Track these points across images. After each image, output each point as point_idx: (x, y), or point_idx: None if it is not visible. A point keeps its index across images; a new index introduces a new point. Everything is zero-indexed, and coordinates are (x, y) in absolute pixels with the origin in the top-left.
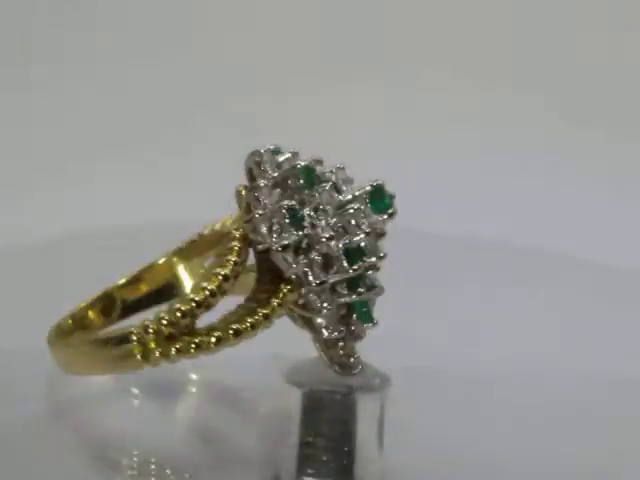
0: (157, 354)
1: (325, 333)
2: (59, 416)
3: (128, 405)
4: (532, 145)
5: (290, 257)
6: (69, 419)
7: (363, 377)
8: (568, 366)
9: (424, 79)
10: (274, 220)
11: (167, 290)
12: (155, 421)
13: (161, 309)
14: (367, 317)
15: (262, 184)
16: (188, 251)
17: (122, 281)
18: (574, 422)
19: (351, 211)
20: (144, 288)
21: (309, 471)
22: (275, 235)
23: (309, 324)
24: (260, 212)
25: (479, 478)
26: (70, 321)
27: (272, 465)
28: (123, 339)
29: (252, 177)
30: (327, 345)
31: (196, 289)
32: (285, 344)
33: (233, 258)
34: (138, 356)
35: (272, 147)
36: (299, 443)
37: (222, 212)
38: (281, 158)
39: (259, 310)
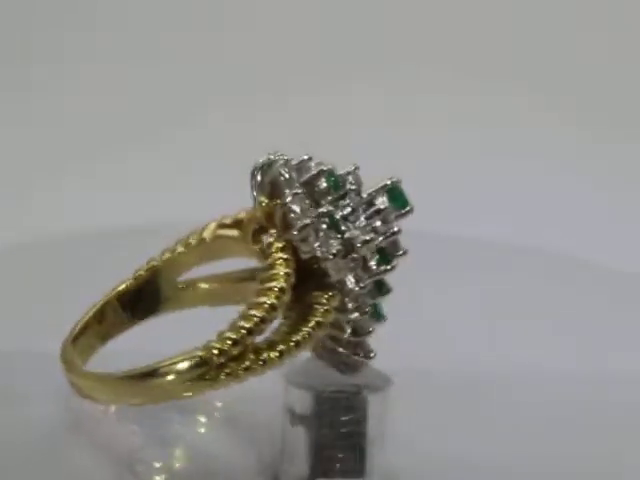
0: (226, 375)
1: (348, 332)
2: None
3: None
4: (532, 145)
5: (341, 263)
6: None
7: (365, 377)
8: (568, 366)
9: (424, 79)
10: (317, 228)
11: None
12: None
13: (222, 329)
14: (379, 314)
15: (295, 193)
16: (173, 265)
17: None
18: (574, 422)
19: (378, 211)
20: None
21: (329, 473)
22: (320, 243)
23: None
24: (307, 222)
25: (479, 478)
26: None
27: (273, 469)
28: (188, 363)
29: (277, 188)
30: (340, 344)
31: (254, 305)
32: None
33: (284, 270)
34: (207, 379)
35: (283, 155)
36: (314, 445)
37: (224, 212)
38: (298, 164)
39: (311, 318)
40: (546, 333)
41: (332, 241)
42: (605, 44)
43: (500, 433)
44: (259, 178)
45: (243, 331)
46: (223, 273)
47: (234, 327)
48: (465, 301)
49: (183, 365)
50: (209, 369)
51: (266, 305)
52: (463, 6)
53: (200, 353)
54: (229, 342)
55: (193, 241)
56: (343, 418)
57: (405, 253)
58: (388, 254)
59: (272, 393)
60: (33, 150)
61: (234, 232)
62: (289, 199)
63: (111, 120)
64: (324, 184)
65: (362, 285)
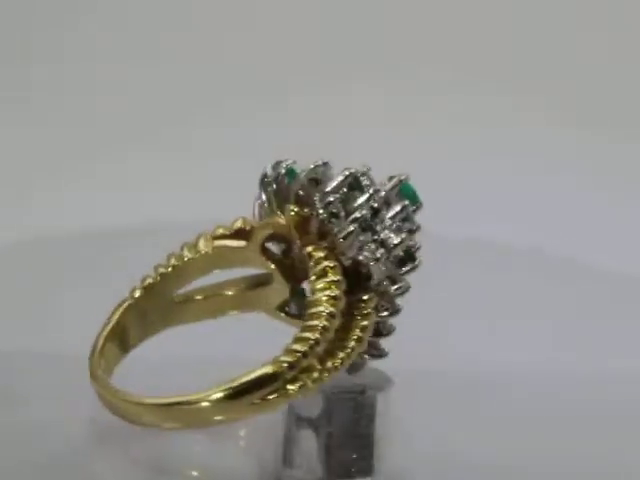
0: (299, 388)
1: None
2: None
3: None
4: (532, 145)
5: (383, 265)
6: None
7: (368, 377)
8: (568, 367)
9: (424, 79)
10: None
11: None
12: None
13: (288, 343)
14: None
15: (330, 201)
16: (170, 281)
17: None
18: (574, 422)
19: (399, 210)
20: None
21: (340, 474)
22: (361, 248)
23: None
24: (351, 229)
25: (479, 478)
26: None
27: (275, 474)
28: (261, 381)
29: (308, 197)
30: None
31: (316, 315)
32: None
33: (336, 277)
34: (279, 395)
35: (293, 162)
36: (323, 447)
37: (224, 212)
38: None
39: (359, 322)
40: (546, 333)
41: (371, 245)
42: (605, 44)
43: (500, 433)
44: (274, 187)
45: (311, 342)
46: (217, 283)
47: (301, 340)
48: (465, 301)
49: (244, 384)
50: (281, 383)
51: (327, 314)
52: (463, 6)
53: (269, 369)
54: (298, 354)
55: (189, 254)
56: (351, 418)
57: (420, 248)
58: (412, 251)
59: None
60: (33, 150)
61: (237, 242)
62: (327, 207)
63: (111, 120)
64: (352, 188)
65: (399, 285)
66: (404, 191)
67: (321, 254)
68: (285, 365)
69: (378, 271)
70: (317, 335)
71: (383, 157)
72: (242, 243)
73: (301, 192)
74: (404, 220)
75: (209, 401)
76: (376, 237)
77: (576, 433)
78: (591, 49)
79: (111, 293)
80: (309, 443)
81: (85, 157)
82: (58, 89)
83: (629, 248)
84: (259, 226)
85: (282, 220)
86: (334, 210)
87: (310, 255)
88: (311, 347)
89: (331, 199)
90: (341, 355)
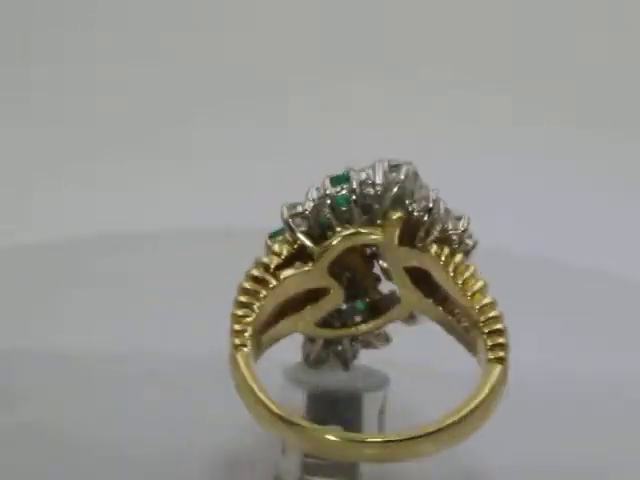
0: None
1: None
2: None
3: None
4: (533, 145)
5: None
6: None
7: (363, 376)
8: (568, 367)
9: (424, 79)
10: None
11: None
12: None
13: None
14: None
15: (430, 205)
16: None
17: None
18: (574, 422)
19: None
20: None
21: (318, 473)
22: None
23: None
24: (460, 230)
25: (479, 478)
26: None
27: (273, 467)
28: None
29: (402, 203)
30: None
31: (498, 318)
32: (287, 344)
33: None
34: None
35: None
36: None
37: (224, 213)
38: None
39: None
40: (546, 333)
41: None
42: (605, 44)
43: (499, 433)
44: (354, 197)
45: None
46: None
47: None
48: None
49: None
50: None
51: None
52: (463, 6)
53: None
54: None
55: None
56: (339, 416)
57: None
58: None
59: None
60: (33, 150)
61: (302, 267)
62: (433, 210)
63: (111, 120)
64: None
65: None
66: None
67: (459, 257)
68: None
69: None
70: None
71: (383, 157)
72: (305, 267)
73: (400, 195)
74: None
75: None
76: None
77: (577, 433)
78: (591, 49)
79: (111, 293)
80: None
81: (85, 157)
82: (58, 89)
83: (629, 248)
84: (330, 243)
85: (371, 230)
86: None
87: (440, 254)
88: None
89: (429, 204)
90: None
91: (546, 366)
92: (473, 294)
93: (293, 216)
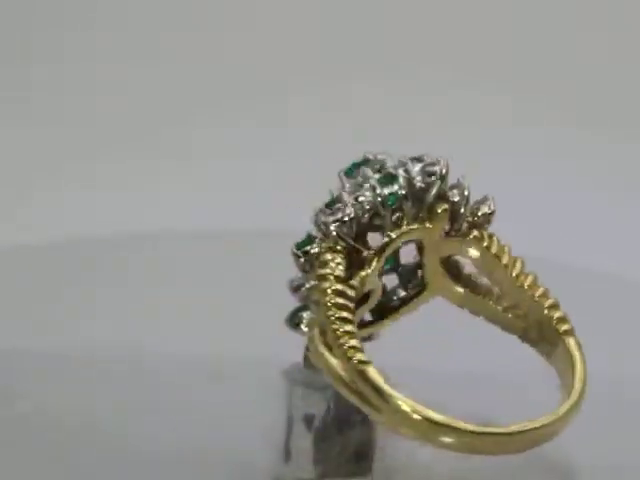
0: None
1: None
2: None
3: None
4: (533, 145)
5: None
6: None
7: None
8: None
9: (424, 79)
10: None
11: None
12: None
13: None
14: None
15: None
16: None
17: None
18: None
19: None
20: None
21: (334, 472)
22: None
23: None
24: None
25: (479, 477)
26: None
27: (273, 468)
28: None
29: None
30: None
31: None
32: (287, 344)
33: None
34: None
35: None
36: (317, 444)
37: (224, 213)
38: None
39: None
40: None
41: None
42: (605, 44)
43: None
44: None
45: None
46: None
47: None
48: None
49: None
50: None
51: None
52: (463, 6)
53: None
54: None
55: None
56: (347, 417)
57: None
58: None
59: (273, 391)
60: (33, 150)
61: (360, 272)
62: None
63: (111, 120)
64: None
65: None
66: None
67: (486, 234)
68: None
69: None
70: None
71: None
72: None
73: (443, 188)
74: None
75: None
76: None
77: (577, 433)
78: (591, 49)
79: (111, 294)
80: (306, 442)
81: (85, 157)
82: (58, 89)
83: (629, 248)
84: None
85: (421, 225)
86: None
87: (481, 239)
88: None
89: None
90: None
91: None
92: (520, 275)
93: (340, 225)
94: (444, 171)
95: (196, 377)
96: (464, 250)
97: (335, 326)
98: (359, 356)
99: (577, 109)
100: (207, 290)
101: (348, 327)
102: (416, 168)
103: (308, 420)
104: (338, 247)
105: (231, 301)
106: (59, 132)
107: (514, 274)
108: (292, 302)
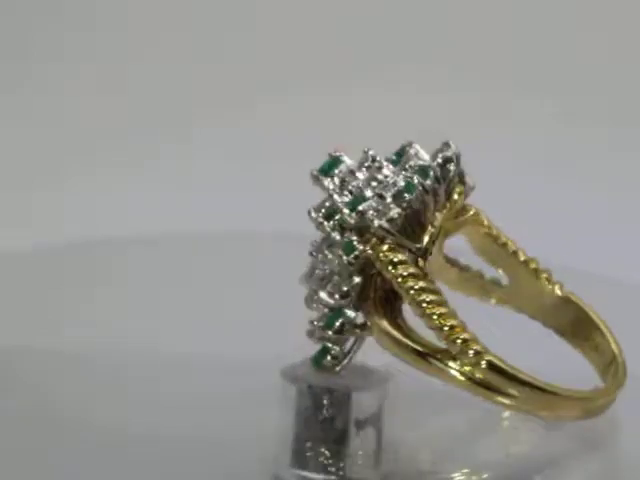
0: None
1: None
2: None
3: None
4: (533, 145)
5: None
6: None
7: (361, 374)
8: (566, 368)
9: (424, 79)
10: None
11: None
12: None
13: None
14: None
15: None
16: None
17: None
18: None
19: None
20: None
21: (306, 465)
22: None
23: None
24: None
25: (479, 477)
26: None
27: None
28: None
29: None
30: None
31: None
32: (288, 344)
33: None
34: None
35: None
36: (296, 437)
37: (226, 217)
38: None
39: None
40: (545, 334)
41: None
42: (605, 44)
43: (499, 432)
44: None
45: None
46: None
47: None
48: (465, 301)
49: None
50: None
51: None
52: (463, 6)
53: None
54: None
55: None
56: (325, 415)
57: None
58: None
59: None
60: (33, 150)
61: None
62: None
63: (111, 120)
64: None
65: None
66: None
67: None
68: None
69: None
70: None
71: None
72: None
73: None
74: None
75: None
76: None
77: (578, 433)
78: (591, 49)
79: (111, 294)
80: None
81: (85, 158)
82: (58, 89)
83: (629, 250)
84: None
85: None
86: None
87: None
88: None
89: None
90: None
91: (546, 367)
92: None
93: (393, 224)
94: (458, 151)
95: (196, 377)
96: (462, 228)
97: (444, 321)
98: (477, 347)
99: (577, 109)
100: (207, 290)
101: (454, 321)
102: (435, 154)
103: (313, 421)
104: (392, 245)
105: (231, 301)
106: (59, 132)
107: (511, 250)
108: (292, 302)
